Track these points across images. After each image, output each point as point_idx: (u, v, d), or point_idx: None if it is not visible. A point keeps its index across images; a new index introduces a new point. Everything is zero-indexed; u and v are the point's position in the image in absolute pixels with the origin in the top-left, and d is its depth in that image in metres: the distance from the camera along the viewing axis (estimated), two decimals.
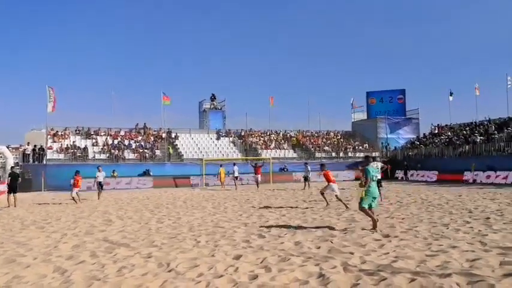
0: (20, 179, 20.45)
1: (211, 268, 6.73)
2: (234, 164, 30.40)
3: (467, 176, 30.05)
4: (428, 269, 6.29)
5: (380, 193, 17.32)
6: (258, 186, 27.55)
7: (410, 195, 19.84)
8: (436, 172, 33.64)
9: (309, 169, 27.06)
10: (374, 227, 10.05)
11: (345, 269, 6.47)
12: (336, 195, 15.54)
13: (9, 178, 19.72)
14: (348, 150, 44.51)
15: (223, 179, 29.89)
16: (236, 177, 29.24)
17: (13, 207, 17.95)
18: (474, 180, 29.18)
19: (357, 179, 34.18)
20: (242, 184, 31.97)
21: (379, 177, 17.75)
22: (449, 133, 39.17)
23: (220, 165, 30.87)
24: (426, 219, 11.66)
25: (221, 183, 30.01)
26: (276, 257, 7.40)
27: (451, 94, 43.59)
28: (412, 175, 35.84)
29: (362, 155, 42.67)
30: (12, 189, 19.08)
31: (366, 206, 10.00)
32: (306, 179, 26.74)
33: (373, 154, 41.44)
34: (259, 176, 27.94)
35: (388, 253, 7.47)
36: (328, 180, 15.88)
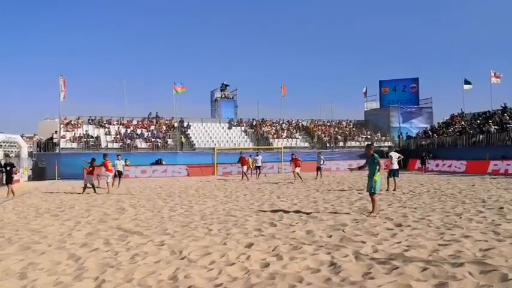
0: (14, 169, 19.50)
1: (223, 256, 6.77)
2: (257, 154, 29.96)
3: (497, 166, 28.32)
4: (441, 258, 6.26)
5: (395, 182, 17.43)
6: (301, 179, 24.25)
7: (423, 185, 19.72)
8: (465, 162, 30.99)
9: (322, 158, 26.94)
10: (373, 210, 10.79)
11: (356, 258, 6.46)
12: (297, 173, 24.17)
13: (8, 168, 18.43)
14: (361, 139, 44.29)
15: (252, 167, 29.86)
16: (259, 167, 28.83)
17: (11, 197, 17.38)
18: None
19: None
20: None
21: (397, 167, 17.76)
22: (462, 122, 38.73)
23: (241, 153, 29.29)
24: (439, 209, 11.59)
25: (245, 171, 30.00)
26: (287, 245, 7.41)
27: (465, 83, 42.86)
28: (429, 164, 33.45)
29: (374, 144, 42.61)
30: (10, 179, 18.19)
31: (377, 192, 10.62)
32: (318, 168, 26.60)
33: (386, 144, 41.25)
34: (299, 168, 24.98)
35: (400, 242, 7.44)
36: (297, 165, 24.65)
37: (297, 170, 25.06)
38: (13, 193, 17.75)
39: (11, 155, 24.45)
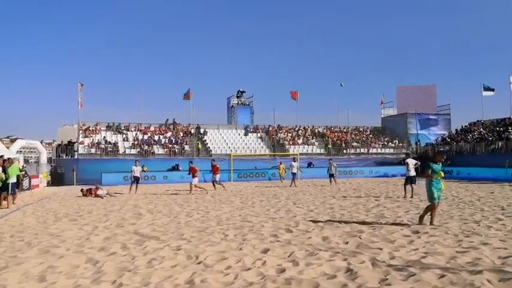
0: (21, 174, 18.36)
1: (239, 261, 6.79)
2: (294, 160, 29.20)
3: None
4: (459, 266, 6.19)
5: (412, 189, 17.28)
6: (223, 187, 24.01)
7: None
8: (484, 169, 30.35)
9: (334, 165, 26.72)
10: (432, 220, 10.10)
11: (373, 264, 6.42)
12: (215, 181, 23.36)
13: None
14: (378, 146, 44.00)
15: (283, 175, 29.93)
16: (294, 174, 27.04)
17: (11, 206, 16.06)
18: None
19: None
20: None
21: (414, 173, 17.65)
22: (481, 129, 38.24)
23: (213, 160, 27.14)
24: (457, 216, 11.45)
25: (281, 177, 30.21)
26: (303, 251, 7.40)
27: (484, 89, 42.31)
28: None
29: (391, 151, 42.26)
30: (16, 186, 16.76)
31: (436, 201, 9.93)
32: (331, 175, 26.36)
33: (403, 150, 40.90)
34: (217, 176, 24.11)
35: (417, 249, 7.38)
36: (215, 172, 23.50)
37: (217, 177, 23.74)
38: (13, 203, 16.44)
39: (30, 161, 24.75)
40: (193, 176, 22.60)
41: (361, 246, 7.73)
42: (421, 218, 10.24)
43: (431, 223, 9.97)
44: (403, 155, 38.64)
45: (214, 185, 23.73)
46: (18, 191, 18.28)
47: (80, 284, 5.66)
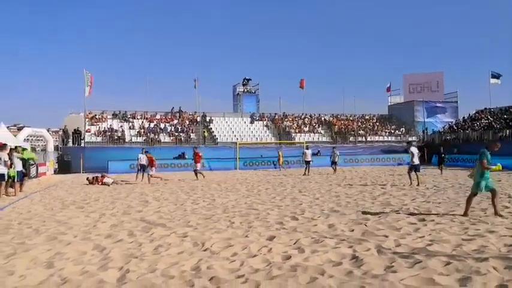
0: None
1: (245, 248, 6.82)
2: (307, 148, 28.24)
3: None
4: (465, 253, 6.19)
5: (417, 177, 17.26)
6: (203, 176, 23.19)
7: (447, 180, 19.46)
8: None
9: (337, 153, 26.70)
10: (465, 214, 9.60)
11: (378, 252, 6.43)
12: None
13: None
14: (384, 134, 43.83)
15: (280, 162, 30.54)
16: (308, 162, 26.15)
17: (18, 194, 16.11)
18: None
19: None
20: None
21: (418, 162, 17.62)
22: (489, 117, 37.97)
23: (195, 147, 26.76)
24: (463, 204, 11.38)
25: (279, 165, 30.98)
26: (309, 238, 7.42)
27: (493, 77, 41.95)
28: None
29: (398, 139, 42.08)
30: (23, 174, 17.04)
31: (481, 191, 9.40)
32: (334, 163, 26.42)
33: (410, 138, 40.74)
34: (199, 164, 23.40)
35: (423, 237, 7.37)
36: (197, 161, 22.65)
37: (198, 166, 23.02)
38: (20, 191, 16.55)
39: (37, 149, 24.85)
40: (196, 162, 22.81)
41: (366, 234, 7.73)
42: (467, 207, 9.68)
43: (496, 213, 9.37)
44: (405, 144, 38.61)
45: (196, 174, 23.10)
46: (26, 179, 18.39)
47: (87, 270, 5.71)
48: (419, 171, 17.62)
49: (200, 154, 23.71)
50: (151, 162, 21.40)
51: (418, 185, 16.88)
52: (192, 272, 5.62)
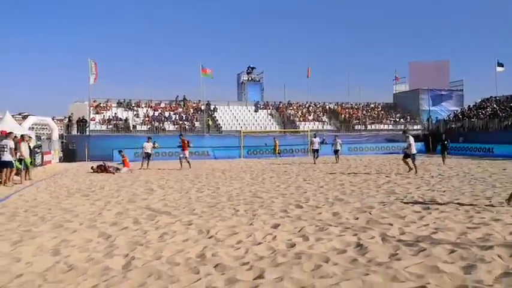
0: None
1: (249, 236, 6.83)
2: (315, 136, 27.86)
3: None
4: (469, 241, 6.18)
5: (415, 165, 17.30)
6: (189, 165, 22.40)
7: (452, 169, 19.42)
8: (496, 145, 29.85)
9: (340, 142, 26.62)
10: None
11: (383, 240, 6.43)
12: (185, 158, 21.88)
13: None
14: (389, 122, 43.68)
15: (277, 150, 30.87)
16: (316, 150, 25.67)
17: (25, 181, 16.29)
18: None
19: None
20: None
21: (415, 151, 17.65)
22: (494, 105, 37.74)
23: (181, 134, 26.57)
24: (468, 192, 11.40)
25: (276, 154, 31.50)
26: (313, 226, 7.43)
27: (499, 65, 41.66)
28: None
29: (402, 127, 41.94)
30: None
31: None
32: (336, 151, 26.34)
33: (415, 127, 40.58)
34: (187, 152, 22.61)
35: (428, 225, 7.37)
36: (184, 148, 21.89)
37: (186, 154, 22.29)
38: (26, 179, 16.67)
39: (42, 138, 25.21)
40: (184, 149, 22.14)
41: (371, 222, 7.73)
42: None
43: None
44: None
45: (180, 163, 22.44)
46: (32, 167, 18.50)
47: (93, 258, 5.74)
48: (414, 160, 17.61)
49: (187, 141, 22.60)
50: (185, 146, 21.75)
51: (408, 171, 17.34)
52: (197, 259, 5.64)
